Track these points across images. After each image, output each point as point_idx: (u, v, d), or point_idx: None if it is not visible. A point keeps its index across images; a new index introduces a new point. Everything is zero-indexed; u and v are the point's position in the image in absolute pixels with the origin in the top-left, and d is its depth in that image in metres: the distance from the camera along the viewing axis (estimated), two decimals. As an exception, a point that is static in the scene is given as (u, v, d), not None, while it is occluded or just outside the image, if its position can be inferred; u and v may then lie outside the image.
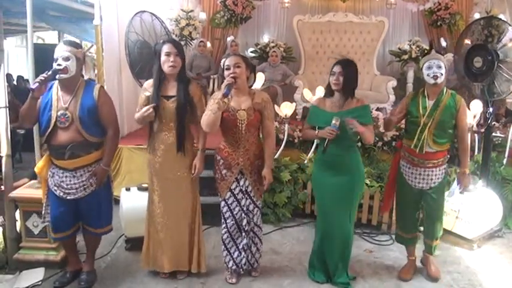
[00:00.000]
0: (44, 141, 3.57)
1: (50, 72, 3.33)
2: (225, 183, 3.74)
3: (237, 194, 3.75)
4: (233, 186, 3.74)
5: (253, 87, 3.84)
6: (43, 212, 3.74)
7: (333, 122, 3.47)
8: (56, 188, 3.58)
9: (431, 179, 3.82)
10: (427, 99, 3.75)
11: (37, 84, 3.25)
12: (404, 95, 8.65)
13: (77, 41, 3.58)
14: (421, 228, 4.17)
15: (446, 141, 3.77)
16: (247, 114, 3.60)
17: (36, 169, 3.70)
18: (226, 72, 3.56)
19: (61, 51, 3.40)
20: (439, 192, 3.88)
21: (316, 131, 3.66)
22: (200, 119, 3.62)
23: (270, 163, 3.76)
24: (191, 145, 3.81)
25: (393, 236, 4.86)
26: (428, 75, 3.68)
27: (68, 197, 3.57)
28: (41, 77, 3.28)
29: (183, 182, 3.78)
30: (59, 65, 3.37)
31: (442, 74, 3.65)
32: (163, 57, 3.60)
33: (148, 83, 3.73)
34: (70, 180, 3.55)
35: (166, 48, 3.60)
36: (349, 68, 3.59)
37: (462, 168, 3.86)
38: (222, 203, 3.80)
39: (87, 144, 3.53)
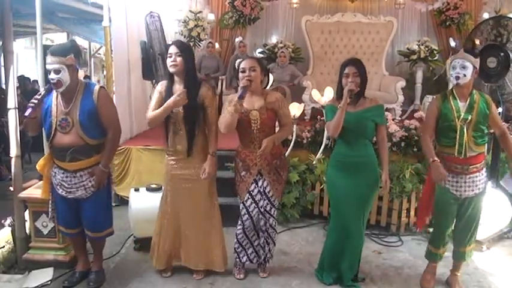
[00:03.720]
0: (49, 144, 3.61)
1: (43, 92, 3.38)
2: (244, 185, 3.76)
3: (255, 195, 3.77)
4: (251, 188, 3.75)
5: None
6: (49, 210, 3.79)
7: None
8: (58, 187, 3.63)
9: (476, 185, 3.63)
10: (458, 101, 3.57)
11: (30, 109, 3.30)
12: (413, 96, 8.69)
13: (66, 45, 3.54)
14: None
15: (485, 141, 3.65)
16: (260, 114, 3.63)
17: (37, 166, 3.72)
18: (241, 75, 3.60)
19: (50, 65, 3.38)
20: (481, 198, 3.72)
21: (340, 108, 3.46)
22: (213, 121, 3.70)
23: (275, 138, 3.69)
24: (205, 147, 3.79)
25: (402, 237, 4.87)
26: (451, 75, 3.55)
27: (69, 196, 3.60)
28: (34, 100, 3.32)
29: (198, 182, 3.77)
30: (52, 79, 3.37)
31: (465, 75, 3.48)
32: (167, 59, 3.65)
33: (163, 84, 3.77)
34: (71, 180, 3.58)
35: (170, 50, 3.65)
36: (362, 68, 3.59)
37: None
38: (241, 205, 3.82)
39: (88, 148, 3.54)
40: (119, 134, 3.74)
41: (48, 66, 3.38)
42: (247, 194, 3.76)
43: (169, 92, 3.66)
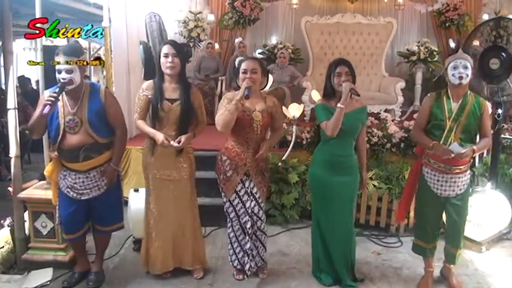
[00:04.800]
0: (57, 147, 3.59)
1: (57, 90, 3.37)
2: (231, 184, 3.75)
3: (242, 195, 3.76)
4: (238, 188, 3.75)
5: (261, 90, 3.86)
6: (57, 215, 3.78)
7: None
8: (68, 189, 3.61)
9: (458, 186, 3.66)
10: (451, 101, 3.60)
11: (48, 106, 3.27)
12: (412, 97, 8.70)
13: (77, 46, 3.55)
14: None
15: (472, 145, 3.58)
16: (262, 116, 3.65)
17: (45, 173, 3.74)
18: (242, 76, 3.60)
19: (62, 65, 3.38)
20: (465, 199, 3.74)
21: (339, 108, 3.46)
22: (203, 120, 3.80)
23: (273, 142, 3.82)
24: (189, 146, 3.85)
25: (401, 238, 4.87)
26: (453, 75, 3.52)
27: (82, 198, 3.61)
28: (51, 97, 3.30)
29: (180, 182, 3.81)
30: (63, 78, 3.38)
31: (467, 75, 3.50)
32: (162, 59, 3.65)
33: (148, 85, 3.76)
34: (83, 182, 3.59)
35: (164, 49, 3.65)
36: (352, 69, 3.62)
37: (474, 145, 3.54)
38: (227, 204, 3.83)
39: (98, 146, 3.57)
40: (126, 132, 3.81)
41: (60, 66, 3.38)
42: (234, 194, 3.77)
43: (158, 91, 3.67)
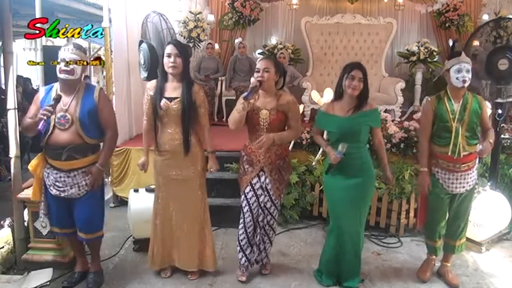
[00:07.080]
0: (44, 142, 3.57)
1: (53, 103, 3.37)
2: (246, 178, 3.81)
3: (257, 189, 3.80)
4: (254, 181, 3.79)
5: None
6: (41, 212, 3.75)
7: (339, 149, 3.50)
8: (51, 188, 3.61)
9: (467, 182, 3.80)
10: (452, 102, 3.71)
11: (44, 122, 3.29)
12: (412, 97, 8.70)
13: (84, 45, 3.58)
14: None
15: (477, 141, 3.74)
16: (270, 114, 3.67)
17: (29, 167, 3.67)
18: (255, 75, 3.65)
19: (69, 54, 3.43)
20: (471, 193, 3.91)
21: (325, 143, 3.74)
22: (205, 121, 3.80)
23: (278, 136, 3.67)
24: (197, 145, 3.82)
25: (401, 239, 4.87)
26: (457, 78, 3.62)
27: (62, 195, 3.58)
28: (46, 111, 3.29)
29: (188, 181, 3.81)
30: (66, 65, 3.40)
31: (469, 79, 3.63)
32: (165, 59, 3.67)
33: (152, 84, 3.81)
34: (64, 180, 3.57)
35: (167, 49, 3.68)
36: (366, 75, 3.63)
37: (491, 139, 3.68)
38: (242, 197, 3.86)
39: (85, 147, 3.55)
40: (117, 135, 3.78)
41: (67, 56, 3.43)
42: (249, 186, 3.80)
43: (160, 89, 3.70)
